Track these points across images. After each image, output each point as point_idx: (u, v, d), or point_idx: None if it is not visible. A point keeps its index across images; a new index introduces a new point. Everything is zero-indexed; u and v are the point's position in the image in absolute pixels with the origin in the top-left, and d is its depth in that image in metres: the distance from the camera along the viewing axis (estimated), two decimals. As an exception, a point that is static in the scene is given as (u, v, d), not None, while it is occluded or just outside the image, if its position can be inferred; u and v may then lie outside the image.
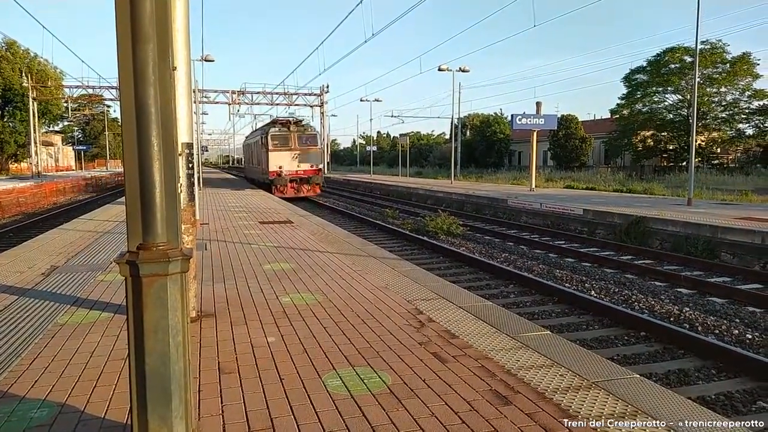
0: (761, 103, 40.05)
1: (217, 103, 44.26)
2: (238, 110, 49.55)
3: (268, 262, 7.21)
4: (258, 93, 44.44)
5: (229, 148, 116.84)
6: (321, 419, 2.85)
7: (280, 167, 24.61)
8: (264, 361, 3.67)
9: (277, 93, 44.75)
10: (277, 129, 25.44)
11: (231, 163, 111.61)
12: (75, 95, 44.37)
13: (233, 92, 43.57)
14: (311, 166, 25.37)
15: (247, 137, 40.31)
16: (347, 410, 2.95)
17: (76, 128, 77.38)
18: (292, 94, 44.99)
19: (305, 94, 45.72)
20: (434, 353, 3.83)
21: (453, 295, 5.47)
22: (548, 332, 4.36)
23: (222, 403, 3.04)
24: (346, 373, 3.45)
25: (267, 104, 45.41)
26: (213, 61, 29.63)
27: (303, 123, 26.58)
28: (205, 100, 41.62)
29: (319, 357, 3.74)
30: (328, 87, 46.15)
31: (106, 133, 67.85)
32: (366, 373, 3.47)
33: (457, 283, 7.50)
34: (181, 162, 4.28)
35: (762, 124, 40.55)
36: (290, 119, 26.89)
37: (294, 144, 25.04)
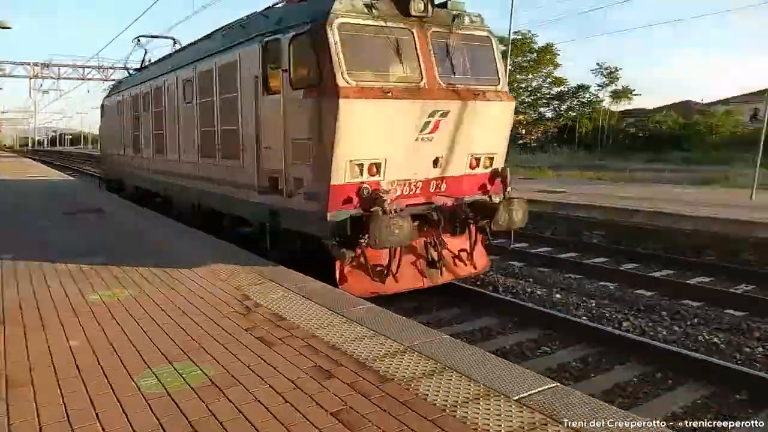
0: (558, 89, 46.59)
1: (14, 76, 37.78)
2: (41, 85, 42.81)
3: (74, 257, 6.40)
4: (67, 66, 38.58)
5: (29, 128, 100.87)
6: (132, 423, 2.65)
7: (377, 165, 5.61)
8: (65, 368, 3.29)
9: (90, 66, 39.04)
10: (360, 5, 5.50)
11: (32, 146, 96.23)
12: None
13: (35, 65, 37.41)
14: (478, 161, 6.81)
15: (143, 67, 14.72)
16: (162, 409, 2.79)
17: None
18: (108, 68, 39.39)
19: (124, 68, 40.57)
20: (260, 338, 3.80)
21: (282, 276, 5.46)
22: (372, 305, 4.60)
23: (9, 422, 2.66)
24: (162, 371, 3.25)
25: (78, 79, 39.68)
26: (9, 27, 24.93)
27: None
28: (-3, 72, 35.28)
29: (131, 357, 3.46)
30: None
31: None
32: (185, 367, 3.31)
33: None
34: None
35: (558, 108, 47.29)
36: None
37: (430, 69, 5.83)
